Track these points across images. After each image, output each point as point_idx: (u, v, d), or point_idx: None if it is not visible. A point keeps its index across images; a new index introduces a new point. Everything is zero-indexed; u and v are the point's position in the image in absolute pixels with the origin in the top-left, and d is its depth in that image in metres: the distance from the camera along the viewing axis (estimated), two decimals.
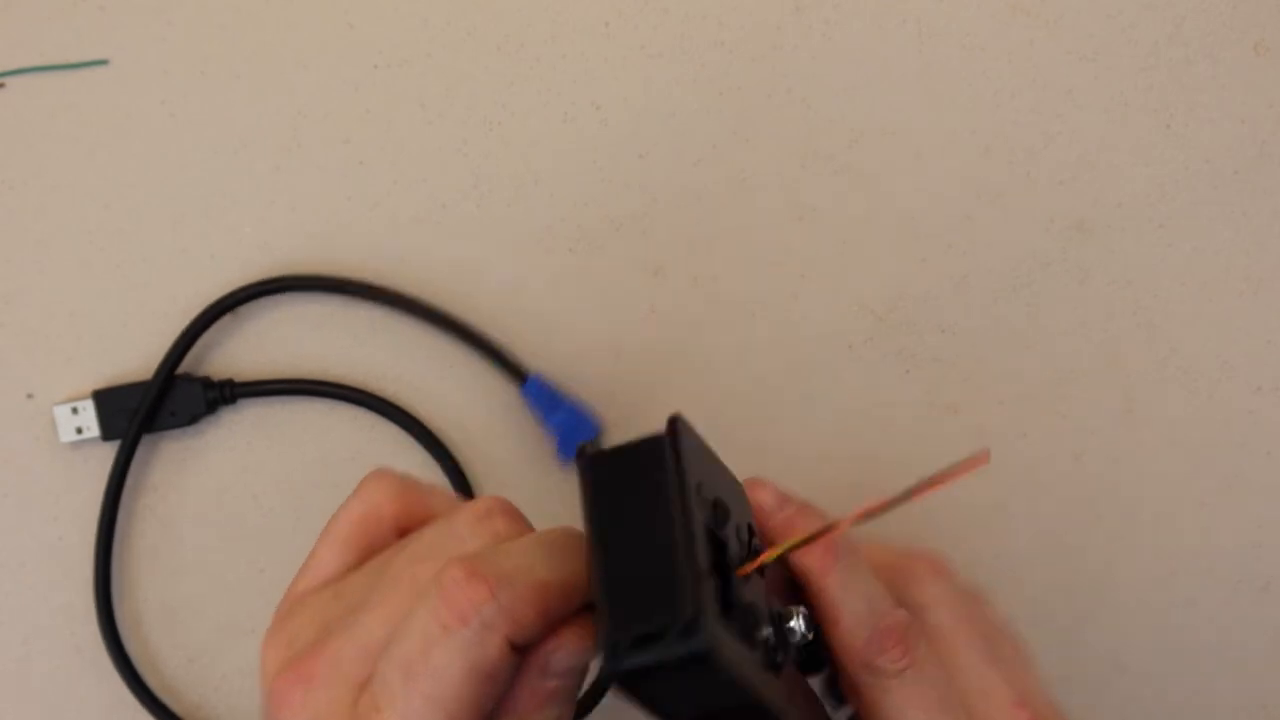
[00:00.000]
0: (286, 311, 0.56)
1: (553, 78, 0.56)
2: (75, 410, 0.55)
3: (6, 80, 0.55)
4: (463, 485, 0.57)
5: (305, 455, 0.57)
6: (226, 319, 0.56)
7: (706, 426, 0.57)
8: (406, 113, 0.56)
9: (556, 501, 0.57)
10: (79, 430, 0.55)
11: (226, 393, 0.55)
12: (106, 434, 0.55)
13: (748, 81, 0.56)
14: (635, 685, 0.33)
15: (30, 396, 0.56)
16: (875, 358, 0.57)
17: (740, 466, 0.58)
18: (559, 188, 0.56)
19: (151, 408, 0.55)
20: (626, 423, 0.57)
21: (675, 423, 0.36)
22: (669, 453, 0.35)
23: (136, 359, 0.56)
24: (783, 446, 0.57)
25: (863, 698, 0.39)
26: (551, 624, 0.35)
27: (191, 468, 0.56)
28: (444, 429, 0.57)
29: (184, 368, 0.56)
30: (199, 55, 0.55)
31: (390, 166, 0.56)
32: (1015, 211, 0.57)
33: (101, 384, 0.55)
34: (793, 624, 0.37)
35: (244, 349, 0.56)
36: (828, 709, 0.41)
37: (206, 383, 0.55)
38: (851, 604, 0.38)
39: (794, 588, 0.39)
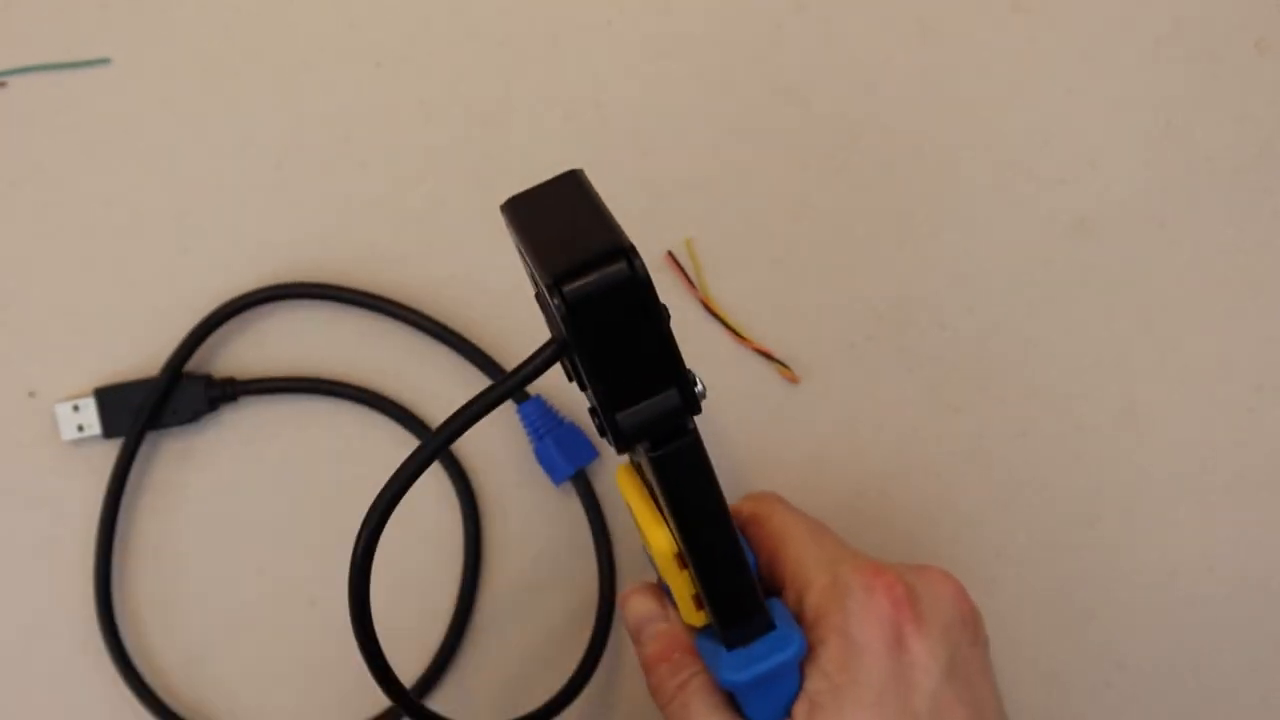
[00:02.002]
0: (290, 313, 0.57)
1: (553, 77, 0.56)
2: (76, 408, 0.55)
3: (7, 80, 0.55)
4: (464, 485, 0.57)
5: (307, 453, 0.57)
6: (230, 319, 0.56)
7: (707, 423, 0.57)
8: (406, 113, 0.56)
9: (558, 501, 0.57)
10: (80, 428, 0.55)
11: (228, 391, 0.55)
12: (108, 432, 0.55)
13: (748, 81, 0.56)
14: (577, 316, 0.36)
15: (32, 394, 0.56)
16: (876, 357, 0.57)
17: (740, 467, 0.58)
18: None
19: (154, 406, 0.55)
20: None
21: (577, 171, 0.40)
22: (583, 181, 0.40)
23: (138, 357, 0.56)
24: (783, 447, 0.57)
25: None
26: None
27: (193, 466, 0.57)
28: None
29: (186, 365, 0.56)
30: (200, 55, 0.55)
31: (391, 166, 0.56)
32: (1016, 211, 0.57)
33: (103, 382, 0.55)
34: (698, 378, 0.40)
35: (245, 348, 0.56)
36: None
37: (208, 381, 0.55)
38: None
39: None
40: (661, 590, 0.47)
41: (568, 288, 0.36)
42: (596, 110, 0.56)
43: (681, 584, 0.43)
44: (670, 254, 0.56)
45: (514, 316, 0.57)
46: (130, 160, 0.55)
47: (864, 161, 0.57)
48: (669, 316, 0.38)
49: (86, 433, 0.55)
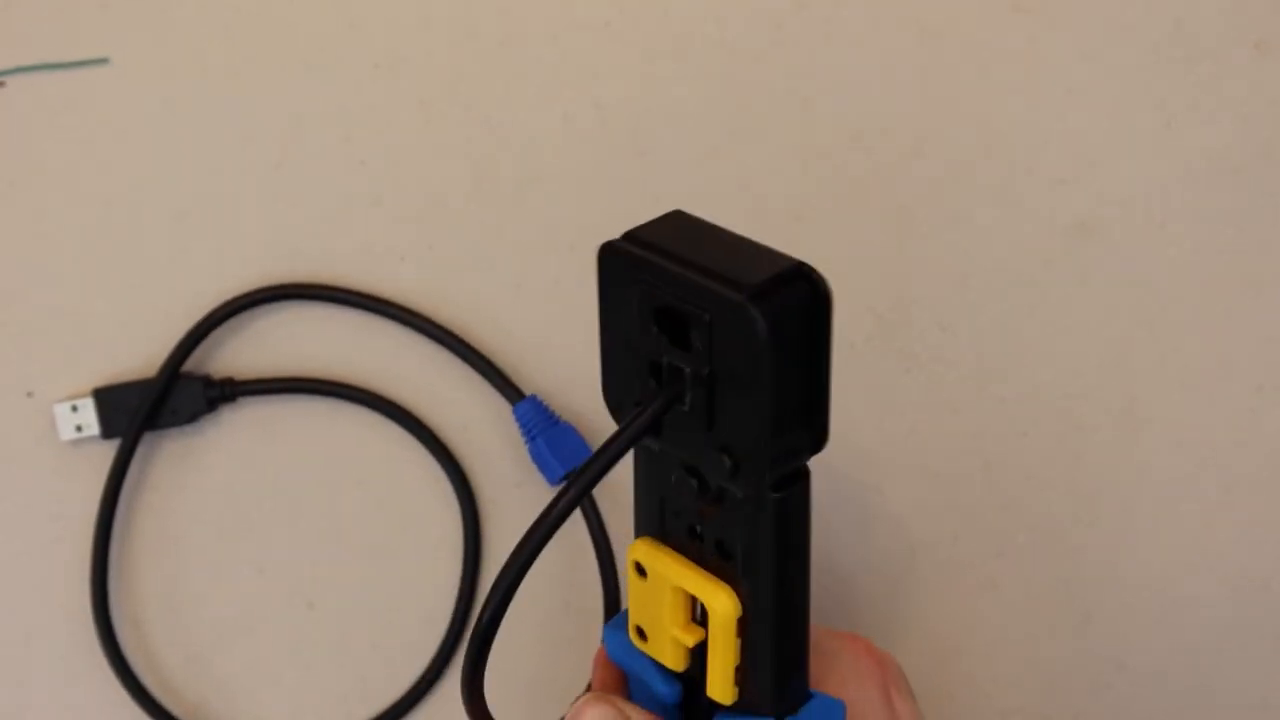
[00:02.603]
0: (289, 313, 0.56)
1: (553, 77, 0.56)
2: (75, 408, 0.55)
3: (6, 80, 0.55)
4: (463, 485, 0.57)
5: (306, 454, 0.57)
6: (229, 320, 0.56)
7: None
8: (406, 113, 0.56)
9: None
10: (79, 428, 0.55)
11: (227, 391, 0.55)
12: (106, 432, 0.55)
13: (748, 81, 0.56)
14: (774, 333, 0.34)
15: (30, 394, 0.56)
16: (876, 357, 0.57)
17: None
18: (559, 188, 0.56)
19: (152, 407, 0.55)
20: None
21: (681, 211, 0.39)
22: (694, 217, 0.38)
23: (137, 357, 0.56)
24: None
25: None
26: None
27: (191, 466, 0.57)
28: (445, 429, 0.57)
29: (185, 366, 0.56)
30: (199, 55, 0.55)
31: (390, 166, 0.56)
32: (1016, 211, 0.57)
33: (101, 382, 0.55)
34: None
35: (245, 349, 0.56)
36: None
37: (207, 381, 0.55)
38: None
39: None
40: (617, 700, 0.43)
41: (765, 303, 0.34)
42: (596, 110, 0.56)
43: (729, 655, 0.39)
44: None
45: (513, 317, 0.57)
46: (130, 160, 0.55)
47: (864, 161, 0.56)
48: None
49: (85, 433, 0.55)
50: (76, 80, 0.55)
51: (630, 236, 0.38)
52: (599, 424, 0.57)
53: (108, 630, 0.55)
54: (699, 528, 0.39)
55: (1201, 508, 0.58)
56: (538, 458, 0.55)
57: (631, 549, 0.41)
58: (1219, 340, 0.57)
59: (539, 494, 0.57)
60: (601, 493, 0.56)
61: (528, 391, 0.56)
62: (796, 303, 0.35)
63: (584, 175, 0.56)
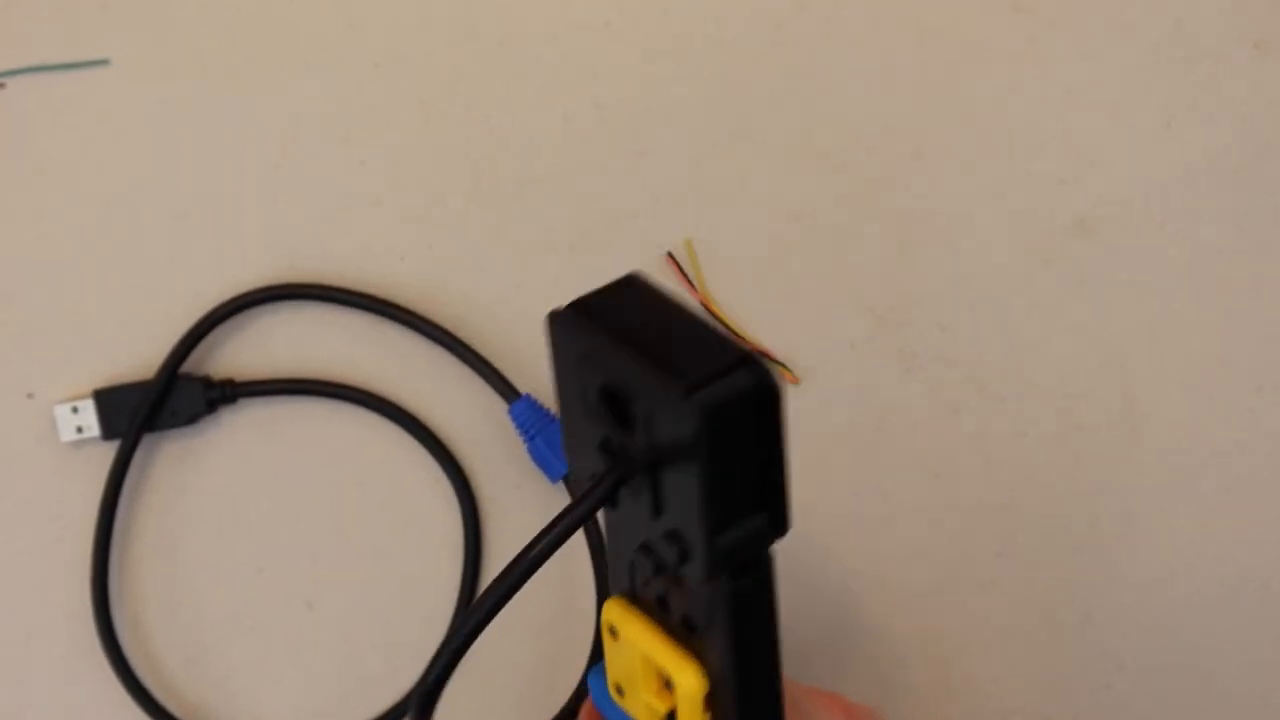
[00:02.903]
0: (288, 314, 0.56)
1: (553, 77, 0.56)
2: (75, 410, 0.55)
3: (6, 80, 0.55)
4: (463, 486, 0.57)
5: (305, 455, 0.57)
6: (228, 320, 0.56)
7: None
8: (406, 113, 0.56)
9: (557, 499, 0.57)
10: (79, 429, 0.55)
11: (227, 392, 0.55)
12: (107, 433, 0.55)
13: (748, 81, 0.56)
14: (711, 428, 0.33)
15: (30, 396, 0.56)
16: (876, 357, 0.57)
17: None
18: (559, 187, 0.56)
19: (152, 408, 0.55)
20: None
21: (638, 273, 0.37)
22: (652, 283, 0.36)
23: (137, 358, 0.56)
24: None
25: None
26: None
27: (191, 467, 0.57)
28: (444, 429, 0.57)
29: (184, 367, 0.56)
30: (199, 55, 0.55)
31: (391, 165, 0.56)
32: (1016, 211, 0.57)
33: (102, 383, 0.55)
34: None
35: (244, 349, 0.56)
36: None
37: (207, 382, 0.55)
38: None
39: None
40: None
41: (704, 395, 0.32)
42: (596, 110, 0.56)
43: None
44: (670, 254, 0.56)
45: (513, 318, 0.57)
46: (129, 161, 0.55)
47: (864, 161, 0.56)
48: None
49: (85, 434, 0.55)
50: (76, 80, 0.55)
51: (578, 306, 0.36)
52: None
53: (108, 630, 0.55)
54: (667, 600, 0.38)
55: (1201, 508, 0.58)
56: (538, 457, 0.55)
57: (605, 609, 0.40)
58: (1219, 340, 0.57)
59: (539, 494, 0.57)
60: None
61: (526, 391, 0.56)
62: (739, 397, 0.33)
63: (584, 175, 0.56)
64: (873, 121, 0.56)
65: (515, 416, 0.56)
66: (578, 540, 0.57)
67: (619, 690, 0.41)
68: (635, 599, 0.40)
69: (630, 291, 0.36)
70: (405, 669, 0.58)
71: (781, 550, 0.58)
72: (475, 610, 0.35)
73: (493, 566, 0.57)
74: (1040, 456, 0.58)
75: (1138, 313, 0.57)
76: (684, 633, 0.38)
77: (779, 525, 0.35)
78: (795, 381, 0.57)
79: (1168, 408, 0.57)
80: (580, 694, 0.56)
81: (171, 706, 0.56)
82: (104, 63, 0.55)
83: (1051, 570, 0.58)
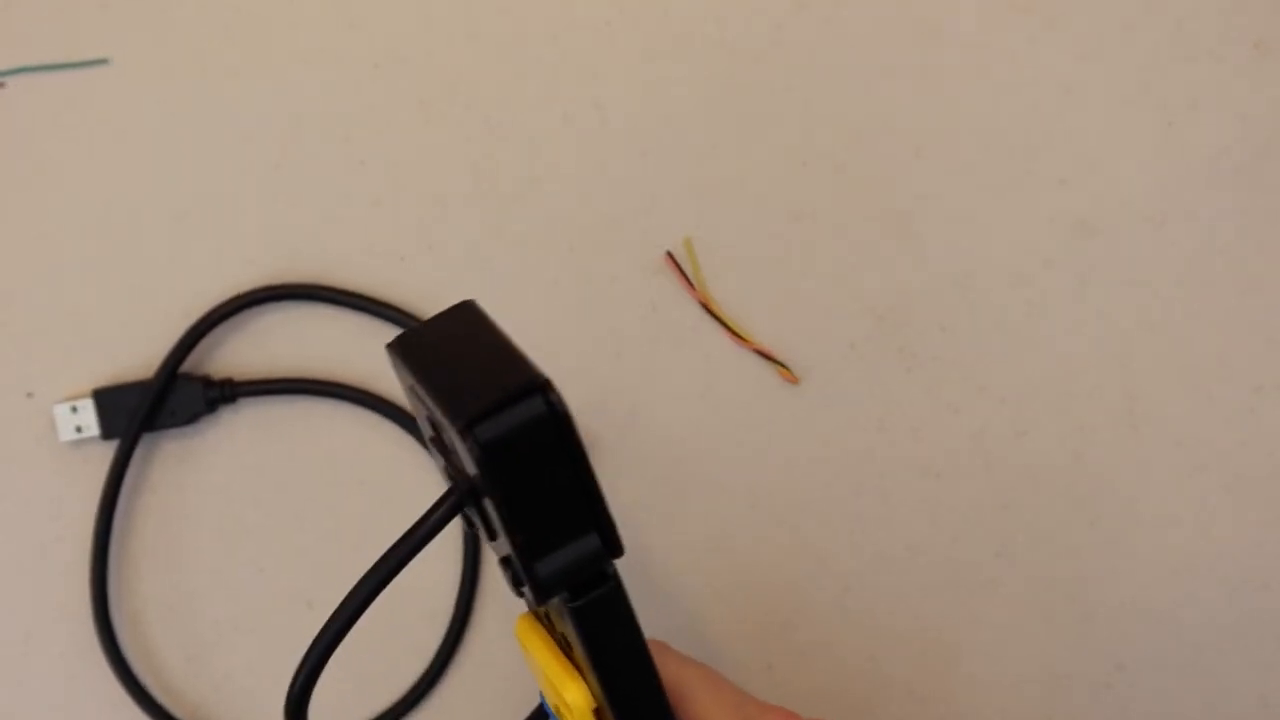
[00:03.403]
0: (288, 314, 0.56)
1: (553, 77, 0.56)
2: (75, 409, 0.55)
3: (6, 80, 0.55)
4: None
5: (305, 454, 0.57)
6: (228, 320, 0.56)
7: (706, 424, 0.57)
8: (406, 113, 0.56)
9: None
10: (78, 429, 0.55)
11: (226, 392, 0.55)
12: (106, 433, 0.55)
13: (748, 81, 0.56)
14: (496, 461, 0.33)
15: (30, 395, 0.56)
16: (876, 357, 0.57)
17: (740, 468, 0.58)
18: (559, 188, 0.56)
19: (151, 407, 0.55)
20: (625, 423, 0.57)
21: (471, 302, 0.38)
22: (480, 312, 0.37)
23: (136, 358, 0.56)
24: (781, 448, 0.57)
25: None
26: None
27: (191, 467, 0.56)
28: None
29: (184, 367, 0.56)
30: (199, 55, 0.55)
31: (390, 166, 0.56)
32: (1015, 211, 0.57)
33: (101, 383, 0.55)
34: None
35: (244, 349, 0.56)
36: None
37: (206, 382, 0.55)
38: None
39: None
40: None
41: (481, 429, 0.33)
42: (596, 110, 0.56)
43: None
44: (669, 254, 0.56)
45: (512, 318, 0.57)
46: (129, 160, 0.55)
47: (864, 161, 0.56)
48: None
49: (85, 434, 0.55)
50: (76, 80, 0.55)
51: (404, 337, 0.37)
52: (596, 425, 0.57)
53: (108, 630, 0.55)
54: (549, 617, 0.39)
55: (1201, 508, 0.58)
56: None
57: (517, 626, 0.41)
58: (1219, 340, 0.57)
59: None
60: None
61: None
62: (523, 425, 0.33)
63: (584, 175, 0.56)
64: (873, 121, 0.56)
65: None
66: None
67: (554, 706, 0.41)
68: (539, 615, 0.40)
69: (456, 321, 0.37)
70: (405, 669, 0.58)
71: (781, 552, 0.59)
72: (324, 633, 0.36)
73: (492, 566, 0.57)
74: (1040, 456, 0.58)
75: (1138, 313, 0.57)
76: (568, 649, 0.39)
77: (611, 545, 0.35)
78: (795, 381, 0.57)
79: (1168, 407, 0.57)
80: None
81: (171, 706, 0.56)
82: (104, 63, 0.55)
83: (1051, 570, 0.58)
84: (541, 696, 0.43)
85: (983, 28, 0.56)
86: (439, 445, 0.37)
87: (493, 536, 0.36)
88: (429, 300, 0.56)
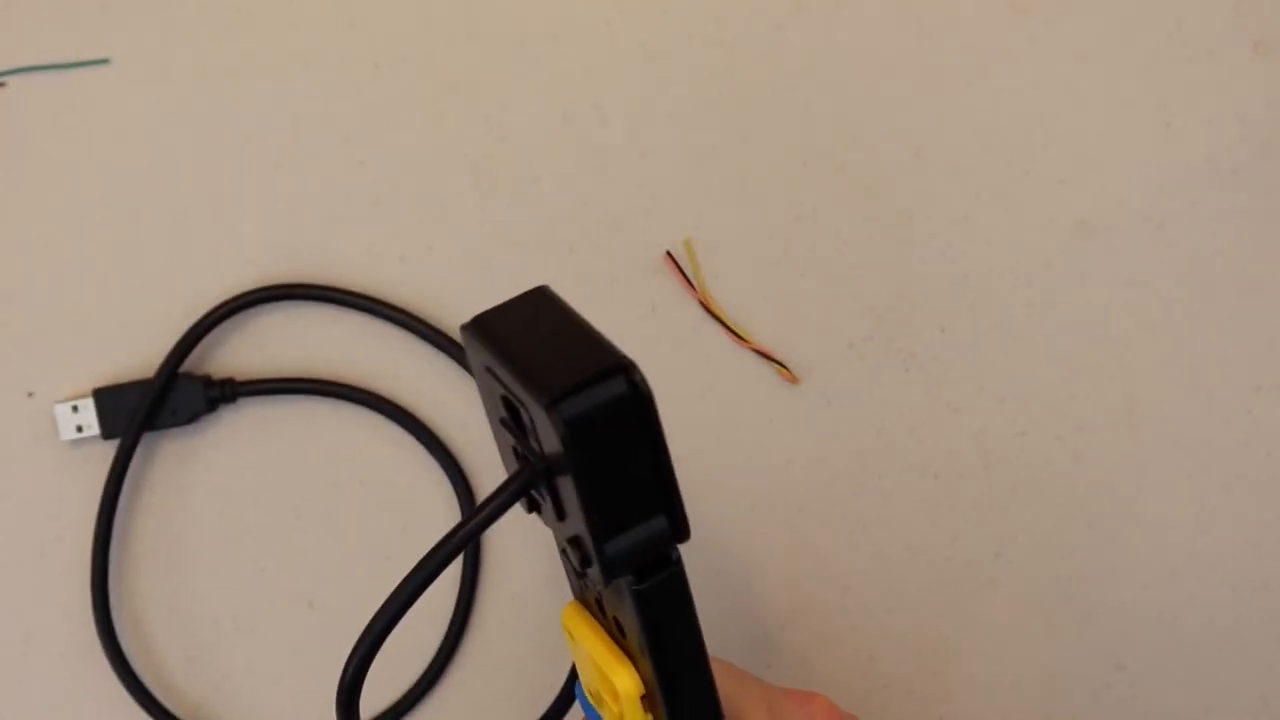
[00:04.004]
0: (288, 314, 0.56)
1: (553, 77, 0.56)
2: (75, 409, 0.55)
3: (6, 80, 0.55)
4: (463, 485, 0.57)
5: (306, 454, 0.57)
6: (228, 320, 0.56)
7: (706, 424, 0.57)
8: (406, 113, 0.56)
9: None
10: (79, 429, 0.55)
11: (227, 391, 0.55)
12: (106, 433, 0.55)
13: (748, 81, 0.56)
14: (580, 437, 0.33)
15: (31, 395, 0.56)
16: (875, 357, 0.57)
17: (740, 468, 0.58)
18: (559, 188, 0.56)
19: (152, 407, 0.55)
20: None
21: (545, 287, 0.38)
22: (554, 296, 0.37)
23: (137, 358, 0.56)
24: (781, 448, 0.57)
25: None
26: None
27: (192, 466, 0.57)
28: (444, 429, 0.57)
29: (185, 367, 0.56)
30: (199, 55, 0.55)
31: (390, 166, 0.56)
32: (1015, 211, 0.57)
33: (102, 383, 0.55)
34: None
35: (244, 349, 0.56)
36: None
37: (207, 381, 0.55)
38: None
39: None
40: None
41: (567, 405, 0.33)
42: (595, 110, 0.56)
43: None
44: (669, 254, 0.56)
45: None
46: (129, 160, 0.55)
47: (864, 161, 0.56)
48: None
49: (85, 433, 0.55)
50: (76, 80, 0.55)
51: (480, 319, 0.37)
52: None
53: (108, 630, 0.55)
54: (602, 602, 0.39)
55: (1201, 508, 0.58)
56: None
57: (563, 613, 0.41)
58: (1218, 340, 0.57)
59: None
60: None
61: None
62: (607, 403, 0.33)
63: (584, 175, 0.56)
64: (873, 121, 0.56)
65: None
66: None
67: (594, 694, 0.42)
68: (586, 603, 0.41)
69: (532, 304, 0.37)
70: (405, 669, 0.58)
71: (781, 552, 0.59)
72: (383, 611, 0.37)
73: (493, 566, 0.57)
74: (1040, 456, 0.58)
75: (1138, 313, 0.57)
76: (619, 635, 0.39)
77: (677, 529, 0.36)
78: (795, 381, 0.57)
79: (1167, 408, 0.57)
80: (565, 697, 0.56)
81: (171, 706, 0.56)
82: (104, 62, 0.55)
83: (1051, 570, 0.58)
84: (578, 687, 0.43)
85: (983, 28, 0.56)
86: (510, 426, 0.37)
87: (561, 517, 0.37)
88: (429, 300, 0.56)
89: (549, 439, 0.34)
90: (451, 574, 0.57)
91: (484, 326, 0.37)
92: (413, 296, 0.56)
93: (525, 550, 0.58)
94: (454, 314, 0.56)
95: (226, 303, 0.55)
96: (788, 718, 0.44)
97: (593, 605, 0.40)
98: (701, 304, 0.56)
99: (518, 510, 0.56)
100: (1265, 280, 0.57)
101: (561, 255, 0.56)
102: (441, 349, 0.56)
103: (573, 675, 0.56)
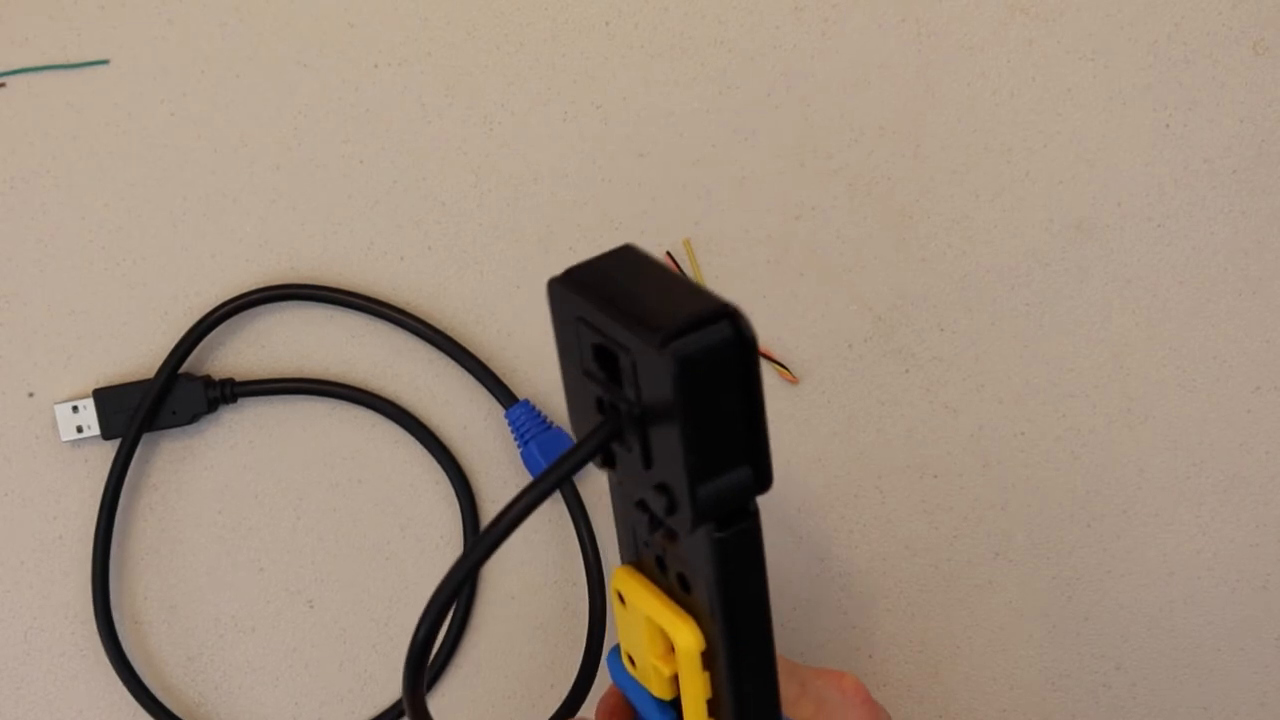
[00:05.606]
0: (288, 314, 0.56)
1: (553, 77, 0.56)
2: (76, 409, 0.55)
3: (6, 80, 0.55)
4: (463, 485, 0.57)
5: (306, 454, 0.57)
6: (228, 320, 0.56)
7: None
8: (406, 113, 0.56)
9: (557, 500, 0.57)
10: (79, 429, 0.55)
11: (227, 392, 0.55)
12: (107, 433, 0.55)
13: (748, 81, 0.56)
14: (688, 378, 0.34)
15: (31, 395, 0.56)
16: (875, 357, 0.57)
17: None
18: (559, 188, 0.56)
19: (152, 407, 0.55)
20: None
21: (631, 245, 0.38)
22: (643, 253, 0.37)
23: (137, 358, 0.56)
24: (781, 448, 0.57)
25: None
26: None
27: (192, 466, 0.57)
28: (444, 428, 0.57)
29: (185, 367, 0.56)
30: (199, 55, 0.55)
31: (390, 166, 0.56)
32: (1015, 211, 0.57)
33: (102, 383, 0.55)
34: None
35: (245, 349, 0.56)
36: None
37: (208, 382, 0.55)
38: None
39: None
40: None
41: (678, 345, 0.33)
42: (595, 110, 0.56)
43: (697, 688, 0.39)
44: (669, 254, 0.56)
45: (512, 318, 0.57)
46: (129, 161, 0.55)
47: (864, 161, 0.57)
48: None
49: (86, 434, 0.55)
50: (76, 80, 0.55)
51: (571, 273, 0.37)
52: None
53: (108, 630, 0.55)
54: (664, 559, 0.39)
55: (1200, 507, 0.58)
56: (529, 462, 0.55)
57: (615, 576, 0.41)
58: (1217, 340, 0.57)
59: None
60: (591, 500, 0.57)
61: (523, 395, 0.56)
62: (715, 346, 0.34)
63: (583, 175, 0.56)
64: (873, 121, 0.56)
65: (512, 421, 0.56)
66: (574, 542, 0.57)
67: (631, 660, 0.41)
68: (640, 566, 0.41)
69: (622, 260, 0.37)
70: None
71: (780, 551, 0.59)
72: (477, 545, 0.36)
73: (493, 566, 0.57)
74: (1039, 456, 0.58)
75: (1137, 313, 0.57)
76: (681, 593, 0.39)
77: (762, 479, 0.36)
78: (795, 382, 0.57)
79: (1167, 408, 0.57)
80: (575, 696, 0.56)
81: (171, 706, 0.56)
82: (103, 63, 0.55)
83: (1050, 570, 0.58)
84: (612, 658, 0.43)
85: (983, 28, 0.56)
86: (598, 376, 0.37)
87: (648, 464, 0.36)
88: (429, 300, 0.56)
89: (653, 383, 0.34)
90: None
91: (577, 278, 0.37)
92: (412, 296, 0.56)
93: (525, 550, 0.58)
94: (454, 314, 0.56)
95: (226, 303, 0.55)
96: (820, 691, 0.45)
97: (650, 566, 0.40)
98: None
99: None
100: (1265, 280, 0.57)
101: (561, 255, 0.56)
102: (441, 349, 0.56)
103: (584, 669, 0.56)
